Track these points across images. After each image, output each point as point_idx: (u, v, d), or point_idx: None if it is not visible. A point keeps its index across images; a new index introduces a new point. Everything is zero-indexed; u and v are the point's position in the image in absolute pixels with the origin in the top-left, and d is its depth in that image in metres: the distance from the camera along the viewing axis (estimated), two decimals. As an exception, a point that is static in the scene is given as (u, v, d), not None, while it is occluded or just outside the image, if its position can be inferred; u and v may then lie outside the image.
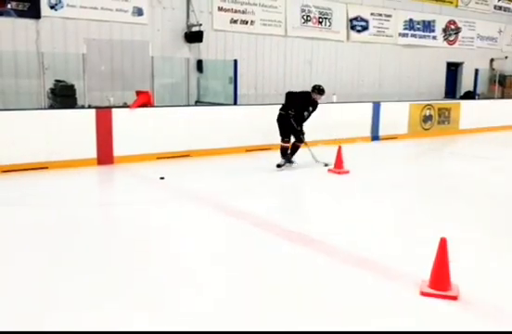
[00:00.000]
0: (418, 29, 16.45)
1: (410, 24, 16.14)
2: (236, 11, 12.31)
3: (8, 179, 7.31)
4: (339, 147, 8.35)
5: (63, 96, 9.26)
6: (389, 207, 6.38)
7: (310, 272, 4.18)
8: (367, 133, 11.97)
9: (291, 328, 3.25)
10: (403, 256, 4.53)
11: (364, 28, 15.00)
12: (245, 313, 3.47)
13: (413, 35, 16.29)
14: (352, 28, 14.74)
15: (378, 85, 15.39)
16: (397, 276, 4.08)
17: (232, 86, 11.12)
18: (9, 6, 9.21)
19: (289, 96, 8.58)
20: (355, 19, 14.77)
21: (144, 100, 9.08)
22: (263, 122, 10.06)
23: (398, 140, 12.18)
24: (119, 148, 8.59)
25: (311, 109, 8.58)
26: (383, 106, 12.20)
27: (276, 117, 8.48)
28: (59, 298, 3.63)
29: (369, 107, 12.07)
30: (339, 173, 8.15)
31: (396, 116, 12.43)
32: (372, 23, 15.15)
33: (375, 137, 12.09)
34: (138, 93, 9.32)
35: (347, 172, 8.17)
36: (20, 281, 3.89)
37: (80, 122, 8.28)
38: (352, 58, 14.75)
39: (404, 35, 16.06)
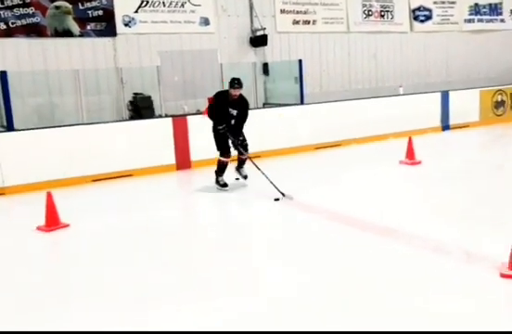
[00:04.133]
0: (485, 13, 16.04)
1: (476, 9, 15.78)
2: (297, 12, 12.58)
3: (97, 187, 7.92)
4: (410, 139, 8.46)
5: (142, 108, 9.86)
6: (464, 194, 6.48)
7: (391, 260, 4.42)
8: (437, 123, 11.89)
9: (380, 312, 3.52)
10: (482, 240, 4.69)
11: (428, 17, 14.84)
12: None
13: (479, 20, 15.90)
14: (416, 18, 14.63)
15: (446, 74, 15.18)
16: (477, 260, 4.26)
17: (298, 86, 11.41)
18: (89, 27, 9.96)
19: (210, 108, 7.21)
20: (418, 9, 14.64)
21: (215, 106, 9.50)
22: (331, 120, 10.31)
23: (470, 128, 12.01)
24: (195, 153, 9.07)
25: (231, 109, 7.03)
26: (452, 94, 12.06)
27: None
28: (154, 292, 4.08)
29: (437, 96, 11.97)
30: (411, 163, 8.26)
31: (466, 104, 12.24)
32: (436, 12, 14.96)
33: (445, 127, 11.99)
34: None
35: (419, 162, 8.26)
36: (120, 279, 4.38)
37: (158, 131, 8.81)
38: (418, 49, 14.64)
39: (470, 21, 15.72)
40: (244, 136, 7.20)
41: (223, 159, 7.17)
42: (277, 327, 3.31)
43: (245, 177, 7.40)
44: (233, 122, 7.01)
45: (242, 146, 7.15)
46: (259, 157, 9.47)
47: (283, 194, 6.53)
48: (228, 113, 6.94)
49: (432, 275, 4.05)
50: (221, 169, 7.22)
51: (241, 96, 7.01)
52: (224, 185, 7.21)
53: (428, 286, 3.87)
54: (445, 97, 11.97)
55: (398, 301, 3.63)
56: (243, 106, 7.05)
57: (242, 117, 7.05)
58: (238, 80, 6.82)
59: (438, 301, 3.60)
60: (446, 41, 15.20)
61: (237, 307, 3.68)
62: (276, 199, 6.49)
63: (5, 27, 9.24)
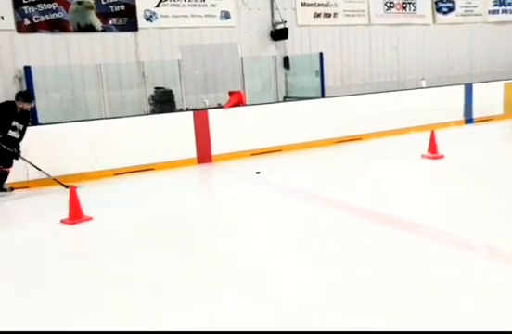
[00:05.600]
0: (510, 4, 15.76)
1: (500, 0, 15.50)
2: (318, 5, 12.51)
3: (120, 181, 8.01)
4: (432, 132, 8.37)
5: (163, 102, 9.93)
6: (487, 189, 6.36)
7: (412, 255, 4.38)
8: (460, 116, 11.76)
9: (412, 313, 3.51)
10: (506, 236, 4.62)
11: (451, 9, 14.63)
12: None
13: (504, 11, 15.63)
14: (438, 10, 14.43)
15: (469, 66, 14.97)
16: (500, 255, 4.21)
17: (319, 79, 11.37)
18: (111, 22, 10.04)
19: None
20: (441, 0, 14.44)
21: (236, 100, 9.53)
22: (352, 113, 10.26)
23: (494, 122, 11.82)
24: (216, 147, 9.10)
25: (17, 123, 6.95)
26: (475, 87, 11.91)
27: None
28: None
29: (461, 89, 11.83)
30: (433, 157, 8.19)
31: (490, 97, 12.06)
32: (459, 3, 14.75)
33: (468, 120, 11.84)
34: (230, 93, 9.78)
35: (441, 156, 8.19)
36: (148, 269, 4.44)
37: (179, 125, 8.87)
38: (440, 41, 14.45)
39: (495, 12, 15.46)
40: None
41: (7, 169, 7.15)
42: (280, 325, 3.30)
43: (11, 189, 7.23)
44: (17, 136, 6.96)
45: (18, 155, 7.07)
46: (280, 151, 9.52)
47: (66, 186, 6.85)
48: (11, 126, 6.85)
49: (454, 270, 4.01)
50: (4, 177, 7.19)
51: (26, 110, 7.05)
52: (11, 189, 7.26)
53: (451, 282, 3.84)
54: (469, 90, 11.82)
55: (420, 298, 3.61)
56: (27, 118, 7.10)
57: (25, 130, 7.04)
58: (30, 93, 7.01)
59: (458, 299, 3.56)
60: (470, 33, 14.98)
61: (239, 304, 3.68)
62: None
63: (29, 22, 9.37)
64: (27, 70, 9.02)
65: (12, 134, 6.85)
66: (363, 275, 4.01)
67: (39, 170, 7.19)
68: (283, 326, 3.29)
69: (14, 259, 4.87)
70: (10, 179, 7.52)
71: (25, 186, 7.65)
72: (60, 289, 4.10)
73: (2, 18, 9.18)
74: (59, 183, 7.24)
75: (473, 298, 3.54)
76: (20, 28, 9.34)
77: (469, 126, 11.66)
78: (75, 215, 5.85)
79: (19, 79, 9.32)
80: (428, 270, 4.04)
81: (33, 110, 8.95)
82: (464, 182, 6.73)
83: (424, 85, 12.13)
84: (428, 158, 8.22)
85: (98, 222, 5.85)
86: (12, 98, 8.97)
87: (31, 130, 7.99)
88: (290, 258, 4.47)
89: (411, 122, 10.76)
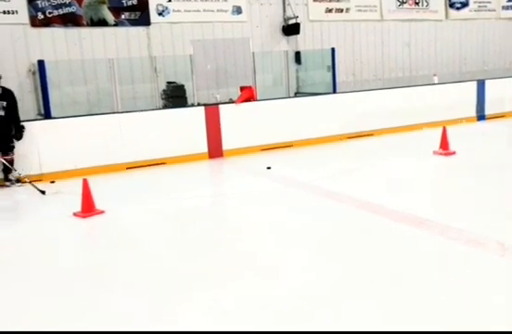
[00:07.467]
0: (524, -1, 15.61)
1: (514, -5, 15.37)
2: (330, 0, 12.45)
3: (132, 175, 8.06)
4: (444, 129, 8.34)
5: (175, 97, 9.96)
6: (499, 186, 6.32)
7: (423, 251, 4.37)
8: (472, 113, 11.69)
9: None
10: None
11: (464, 4, 14.50)
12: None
13: (518, 7, 15.50)
14: (451, 6, 14.32)
15: (482, 62, 14.86)
16: (511, 253, 4.19)
17: (330, 75, 11.34)
18: (123, 16, 10.08)
19: None
20: (454, -5, 14.35)
21: (247, 95, 9.54)
22: (363, 109, 10.23)
23: (506, 118, 11.75)
24: (227, 142, 9.13)
25: None
26: (488, 83, 11.82)
27: None
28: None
29: (473, 85, 11.75)
30: (445, 154, 8.17)
31: (503, 93, 11.98)
32: (472, -1, 14.64)
33: (480, 117, 11.77)
34: (242, 88, 9.78)
35: (453, 153, 8.16)
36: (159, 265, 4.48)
37: (191, 120, 8.91)
38: (453, 37, 14.36)
39: (509, 8, 15.31)
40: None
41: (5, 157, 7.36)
42: (284, 324, 3.29)
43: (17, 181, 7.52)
44: (1, 113, 7.16)
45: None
46: (291, 146, 9.52)
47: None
48: None
49: (465, 267, 4.01)
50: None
51: (3, 86, 7.24)
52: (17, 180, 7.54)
53: (461, 279, 3.83)
54: (481, 86, 11.74)
55: (430, 295, 3.60)
56: (9, 95, 7.23)
57: (11, 108, 7.21)
58: None
59: (469, 296, 3.54)
60: (483, 29, 14.86)
61: (244, 302, 3.68)
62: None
63: (42, 17, 9.42)
64: (40, 64, 9.08)
65: None
66: (371, 271, 4.01)
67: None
68: (287, 325, 3.29)
69: (25, 252, 4.90)
70: (23, 171, 7.58)
71: (38, 179, 7.71)
72: (69, 283, 4.12)
73: (16, 12, 9.24)
74: None
75: (483, 295, 3.53)
76: (34, 22, 9.40)
77: (481, 123, 11.59)
78: (88, 208, 5.90)
79: (33, 73, 9.38)
80: (439, 266, 4.04)
81: (47, 103, 9.05)
82: (475, 179, 6.70)
83: (436, 81, 12.06)
84: (440, 154, 8.19)
85: (110, 215, 5.90)
86: (26, 93, 9.02)
87: (44, 123, 8.08)
88: (299, 254, 4.47)
89: (423, 119, 10.73)
